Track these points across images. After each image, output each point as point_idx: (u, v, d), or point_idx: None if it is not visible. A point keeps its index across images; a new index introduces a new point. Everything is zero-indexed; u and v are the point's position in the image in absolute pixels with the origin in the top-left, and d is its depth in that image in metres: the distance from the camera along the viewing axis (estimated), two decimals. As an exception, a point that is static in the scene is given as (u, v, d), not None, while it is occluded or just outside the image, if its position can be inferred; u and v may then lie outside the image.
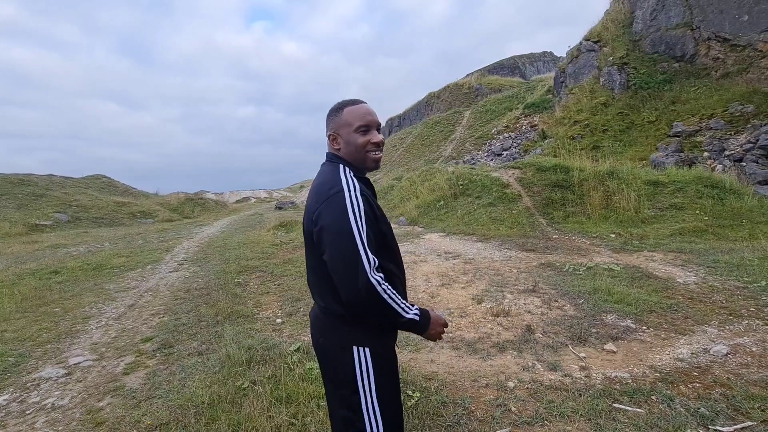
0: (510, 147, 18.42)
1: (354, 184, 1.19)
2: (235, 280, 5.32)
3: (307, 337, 3.21)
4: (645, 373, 2.61)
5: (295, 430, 2.12)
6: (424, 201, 10.38)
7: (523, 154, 16.25)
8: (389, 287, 1.13)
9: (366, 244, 1.11)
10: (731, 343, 2.95)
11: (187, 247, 8.59)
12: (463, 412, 2.25)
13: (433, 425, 2.14)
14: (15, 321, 4.12)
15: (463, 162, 18.50)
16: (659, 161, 10.47)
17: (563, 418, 2.15)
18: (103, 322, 4.05)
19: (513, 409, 2.27)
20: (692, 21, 13.63)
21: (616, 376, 2.57)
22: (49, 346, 3.48)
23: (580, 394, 2.36)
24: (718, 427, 2.02)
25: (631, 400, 2.29)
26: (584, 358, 2.85)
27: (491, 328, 3.42)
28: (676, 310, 3.59)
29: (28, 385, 2.81)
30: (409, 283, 4.78)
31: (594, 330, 3.25)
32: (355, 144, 1.25)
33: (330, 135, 1.30)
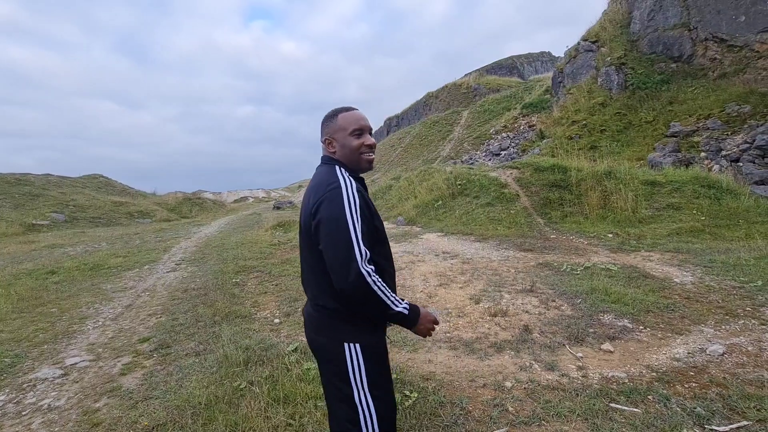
0: (508, 147, 18.45)
1: (350, 181, 1.28)
2: (233, 280, 5.31)
3: (305, 338, 3.21)
4: (642, 372, 2.62)
5: (292, 431, 2.12)
6: (422, 201, 10.39)
7: (521, 154, 16.28)
8: (379, 279, 1.20)
9: (360, 237, 1.18)
10: (727, 342, 2.96)
11: (185, 247, 8.57)
12: (461, 412, 2.25)
13: (431, 425, 2.14)
14: (11, 321, 4.11)
15: (462, 162, 18.51)
16: (657, 161, 10.50)
17: (560, 418, 2.15)
18: (100, 323, 4.03)
19: (510, 409, 2.27)
20: (689, 21, 13.67)
21: (613, 376, 2.58)
22: (46, 346, 3.47)
23: (577, 394, 2.37)
24: (714, 427, 2.03)
25: (627, 400, 2.29)
26: (581, 358, 2.85)
27: (489, 328, 3.42)
28: (672, 310, 3.60)
29: (25, 385, 2.79)
30: (407, 282, 4.78)
31: (591, 330, 3.26)
32: (350, 146, 1.34)
33: (326, 139, 1.39)
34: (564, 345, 3.05)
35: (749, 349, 2.85)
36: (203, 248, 8.19)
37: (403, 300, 1.28)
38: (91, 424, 2.30)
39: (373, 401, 1.26)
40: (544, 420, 2.15)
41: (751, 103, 10.96)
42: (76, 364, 3.10)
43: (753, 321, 3.32)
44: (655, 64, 14.18)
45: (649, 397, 2.31)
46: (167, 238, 10.15)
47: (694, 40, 13.48)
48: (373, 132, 1.44)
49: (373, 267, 1.20)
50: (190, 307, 4.30)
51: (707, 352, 2.82)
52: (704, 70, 13.05)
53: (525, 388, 2.49)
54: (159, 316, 4.14)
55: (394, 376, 2.55)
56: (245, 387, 2.51)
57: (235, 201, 34.97)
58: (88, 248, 8.79)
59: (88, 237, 10.95)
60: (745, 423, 2.03)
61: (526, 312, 3.72)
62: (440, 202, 9.88)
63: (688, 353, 2.84)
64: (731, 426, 2.02)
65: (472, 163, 16.85)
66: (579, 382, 2.53)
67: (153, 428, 2.19)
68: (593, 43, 16.32)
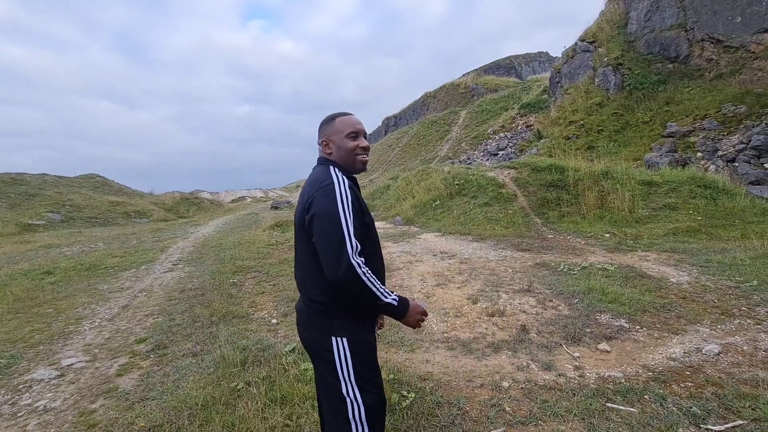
0: (506, 147, 18.49)
1: (343, 179, 1.35)
2: (230, 281, 5.30)
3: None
4: (638, 372, 2.63)
5: (289, 431, 2.12)
6: (420, 201, 10.39)
7: (518, 154, 16.32)
8: (368, 271, 1.27)
9: (351, 230, 1.25)
10: (723, 342, 2.98)
11: (182, 247, 8.54)
12: (458, 412, 2.26)
13: (428, 425, 2.14)
14: (7, 322, 4.08)
15: (459, 162, 18.54)
16: (653, 161, 10.55)
17: (557, 418, 2.16)
18: (97, 323, 4.02)
19: (507, 409, 2.27)
20: (686, 22, 13.73)
21: (609, 376, 2.59)
22: (42, 347, 3.45)
23: (574, 394, 2.38)
24: (709, 426, 2.04)
25: (624, 400, 2.30)
26: (578, 357, 2.86)
27: (486, 328, 3.43)
28: (669, 310, 3.61)
29: (20, 387, 2.78)
30: (404, 282, 4.79)
31: (588, 330, 3.27)
32: (345, 148, 1.42)
33: (323, 141, 1.47)
34: (561, 345, 3.06)
35: (745, 348, 2.87)
36: (200, 248, 8.17)
37: (392, 292, 1.34)
38: (88, 425, 2.29)
39: (360, 393, 1.32)
40: (541, 420, 2.16)
41: (746, 103, 11.02)
42: (72, 364, 3.09)
43: (748, 320, 3.34)
44: (652, 65, 14.24)
45: (646, 396, 2.33)
46: (164, 238, 10.12)
47: (691, 40, 13.54)
48: (368, 135, 1.52)
49: (363, 260, 1.26)
50: (187, 308, 4.28)
51: (703, 352, 2.84)
52: (701, 71, 13.11)
53: (522, 388, 2.49)
54: (156, 316, 4.13)
55: (391, 376, 2.55)
56: (242, 388, 2.51)
57: (233, 201, 34.89)
58: (84, 248, 8.75)
59: (85, 237, 10.90)
60: (741, 422, 2.04)
61: (524, 312, 3.73)
62: (438, 202, 9.89)
63: (684, 353, 2.85)
64: (727, 425, 2.03)
65: (469, 163, 16.87)
66: (576, 381, 2.54)
67: (149, 429, 2.19)
68: (590, 43, 16.37)
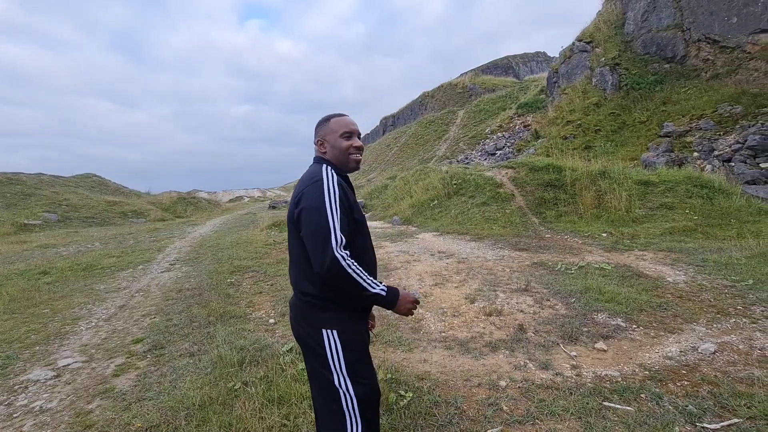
0: (503, 147, 18.52)
1: (332, 176, 1.38)
2: (228, 280, 5.28)
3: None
4: (635, 371, 2.64)
5: (287, 431, 2.12)
6: (418, 200, 10.40)
7: (516, 153, 16.34)
8: (355, 263, 1.29)
9: (337, 224, 1.28)
10: (719, 341, 2.99)
11: (179, 246, 8.52)
12: (456, 411, 2.26)
13: (426, 425, 2.15)
14: (2, 322, 4.06)
15: (457, 161, 18.56)
16: (650, 161, 10.59)
17: (554, 417, 2.17)
18: (93, 323, 4.00)
19: (505, 408, 2.28)
20: (683, 23, 13.80)
21: (606, 375, 2.60)
22: (38, 347, 3.44)
23: (571, 393, 2.38)
24: (705, 425, 2.05)
25: (620, 398, 2.31)
26: (575, 356, 2.87)
27: (484, 328, 3.43)
28: (665, 309, 3.63)
29: (16, 387, 2.76)
30: (402, 282, 4.79)
31: (585, 329, 3.29)
32: (339, 147, 1.47)
33: (318, 140, 1.52)
34: (558, 344, 3.07)
35: (740, 347, 2.88)
36: (198, 248, 8.15)
37: (381, 283, 1.36)
38: (84, 425, 2.28)
39: (352, 386, 1.35)
40: (538, 419, 2.16)
41: (742, 103, 11.08)
42: (68, 365, 3.07)
43: (744, 319, 3.36)
44: (649, 65, 14.30)
45: (642, 395, 2.34)
46: (161, 237, 10.09)
47: (687, 41, 13.61)
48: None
49: (348, 252, 1.29)
50: (185, 308, 4.27)
51: (699, 351, 2.85)
52: (697, 71, 13.18)
53: (519, 387, 2.50)
54: (153, 316, 4.12)
55: (389, 375, 2.55)
56: (240, 388, 2.50)
57: (231, 200, 34.79)
58: (81, 248, 8.72)
59: (81, 237, 10.86)
60: (736, 420, 2.06)
61: (521, 311, 3.74)
62: (436, 201, 9.90)
63: (681, 352, 2.87)
64: (722, 423, 2.05)
65: (467, 163, 16.89)
66: (573, 380, 2.55)
67: (146, 430, 2.18)
68: (588, 43, 16.42)
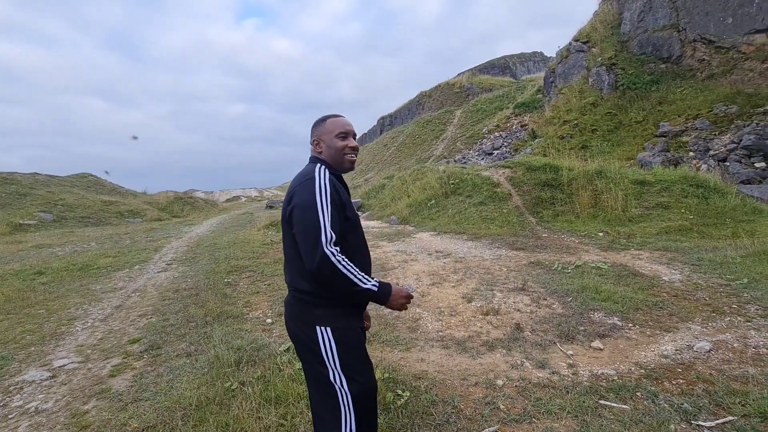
0: (501, 146, 18.56)
1: (325, 174, 1.40)
2: (225, 280, 5.27)
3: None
4: (630, 369, 2.65)
5: (284, 431, 2.11)
6: (415, 200, 10.41)
7: (513, 153, 16.38)
8: (345, 259, 1.31)
9: (327, 222, 1.30)
10: (714, 339, 3.01)
11: (176, 246, 8.49)
12: (453, 410, 2.26)
13: (423, 424, 2.15)
14: (-3, 323, 4.03)
15: (454, 161, 18.58)
16: (646, 161, 10.65)
17: (551, 416, 2.18)
18: (89, 324, 3.98)
19: (501, 407, 2.29)
20: (678, 23, 13.87)
21: (602, 373, 2.61)
22: (33, 348, 3.42)
23: (568, 392, 2.39)
24: (700, 422, 2.06)
25: (616, 397, 2.33)
26: (572, 355, 2.88)
27: (481, 327, 3.44)
28: (661, 308, 3.65)
29: (11, 388, 2.75)
30: (399, 282, 4.79)
31: (581, 328, 3.30)
32: (335, 147, 1.50)
33: (314, 140, 1.54)
34: (555, 343, 3.08)
35: (735, 345, 2.90)
36: (195, 248, 8.12)
37: (372, 278, 1.38)
38: (80, 426, 2.27)
39: (347, 382, 1.36)
40: (534, 417, 2.17)
41: (738, 103, 11.15)
42: (64, 365, 3.06)
43: (739, 318, 3.38)
44: (645, 65, 14.36)
45: (638, 393, 2.35)
46: (158, 237, 10.05)
47: (683, 41, 13.68)
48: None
49: (338, 248, 1.31)
50: (181, 308, 4.26)
51: (694, 349, 2.87)
52: (693, 71, 13.25)
53: (516, 386, 2.51)
54: (149, 316, 4.10)
55: (386, 375, 2.56)
56: (237, 388, 2.50)
57: (228, 200, 34.68)
58: (76, 248, 8.67)
59: (77, 237, 10.80)
60: (731, 418, 2.07)
61: (518, 310, 3.75)
62: (433, 201, 9.91)
63: (676, 350, 2.89)
64: (717, 421, 2.06)
65: (464, 163, 16.92)
66: (569, 379, 2.56)
67: (143, 430, 2.17)
68: (584, 43, 16.47)
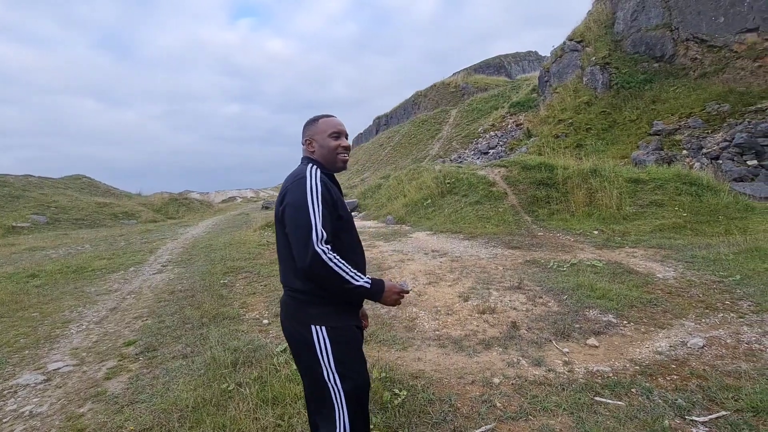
0: (496, 145, 18.62)
1: (316, 173, 1.41)
2: (221, 281, 5.25)
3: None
4: (625, 366, 2.68)
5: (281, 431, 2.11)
6: (411, 200, 10.42)
7: (508, 152, 16.44)
8: (337, 257, 1.31)
9: (318, 220, 1.31)
10: (707, 335, 3.04)
11: (172, 248, 8.44)
12: (449, 409, 2.27)
13: (420, 423, 2.16)
14: (-10, 327, 3.99)
15: (450, 160, 18.62)
16: (640, 159, 10.72)
17: (547, 413, 2.19)
18: (84, 326, 3.95)
19: (498, 404, 2.30)
20: (671, 22, 13.98)
21: (597, 370, 2.63)
22: (27, 351, 3.39)
23: (563, 389, 2.41)
24: (694, 417, 2.09)
25: (612, 393, 2.34)
26: (567, 353, 2.90)
27: (477, 326, 3.45)
28: (655, 305, 3.68)
29: (5, 392, 2.72)
30: (396, 281, 4.80)
31: (577, 325, 3.32)
32: (328, 147, 1.51)
33: (306, 140, 1.55)
34: (550, 341, 3.10)
35: (728, 341, 2.94)
36: (190, 249, 8.08)
37: (365, 275, 1.39)
38: (75, 430, 2.25)
39: (340, 380, 1.37)
40: (530, 415, 2.19)
41: (730, 102, 11.26)
42: (59, 369, 3.04)
43: (732, 314, 3.42)
44: (639, 64, 14.47)
45: (633, 390, 2.37)
46: (153, 239, 9.99)
47: (676, 40, 13.79)
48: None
49: (329, 247, 1.31)
50: (177, 309, 4.24)
51: (688, 345, 2.90)
52: (685, 70, 13.36)
53: (512, 383, 2.52)
54: (145, 318, 4.08)
55: (383, 374, 2.56)
56: (233, 389, 2.49)
57: (223, 201, 34.52)
58: (70, 250, 8.60)
59: (71, 239, 10.71)
60: (724, 413, 2.10)
61: (514, 309, 3.77)
62: (429, 200, 9.93)
63: (670, 346, 2.91)
64: (710, 416, 2.08)
65: (460, 162, 16.95)
66: (565, 376, 2.58)
67: (139, 432, 2.16)
68: (578, 42, 16.56)
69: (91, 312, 4.40)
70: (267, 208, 19.70)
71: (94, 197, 19.50)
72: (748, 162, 9.46)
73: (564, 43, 17.15)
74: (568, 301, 3.86)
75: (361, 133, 42.31)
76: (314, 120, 1.55)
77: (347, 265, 1.34)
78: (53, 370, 3.02)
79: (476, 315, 3.67)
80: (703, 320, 3.34)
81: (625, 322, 3.37)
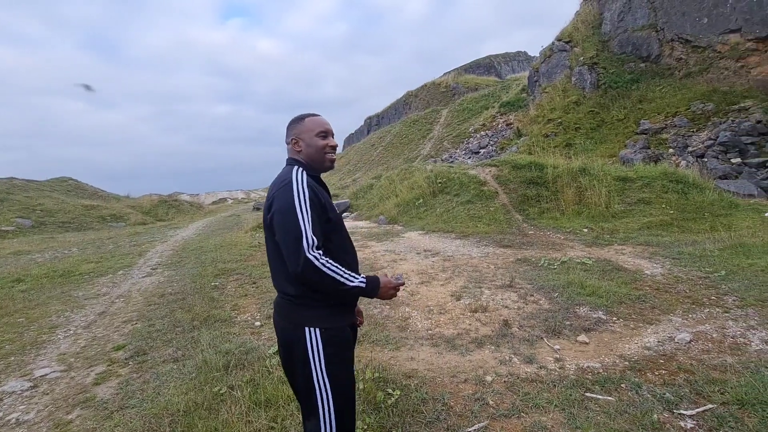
0: (487, 145, 18.75)
1: (302, 177, 1.38)
2: (212, 284, 5.20)
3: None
4: (615, 362, 2.72)
5: (274, 434, 2.10)
6: (403, 199, 10.44)
7: (499, 151, 16.57)
8: (329, 260, 1.32)
9: (308, 226, 1.30)
10: (694, 330, 3.10)
11: (161, 250, 8.34)
12: (443, 407, 2.28)
13: (413, 422, 2.16)
14: (-26, 333, 3.90)
15: (442, 160, 18.69)
16: (628, 158, 10.89)
17: (539, 410, 2.21)
18: (72, 331, 3.88)
19: (491, 402, 2.32)
20: (657, 23, 14.22)
21: (588, 366, 2.67)
22: (13, 358, 3.32)
23: (555, 385, 2.44)
24: (682, 411, 2.13)
25: (602, 389, 2.38)
26: (558, 350, 2.94)
27: (470, 324, 3.47)
28: (643, 301, 3.74)
29: (-10, 400, 2.66)
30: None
31: (568, 322, 3.36)
32: (315, 146, 1.48)
33: (293, 139, 1.51)
34: (542, 338, 3.13)
35: (714, 336, 3.00)
36: (180, 252, 7.99)
37: (359, 275, 1.39)
38: (63, 436, 2.21)
39: (329, 381, 1.38)
40: (523, 412, 2.21)
41: (714, 101, 11.50)
42: (46, 375, 2.98)
43: (717, 309, 3.49)
44: (625, 64, 14.69)
45: (622, 385, 2.41)
46: (142, 242, 9.85)
47: (661, 40, 14.03)
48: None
49: (321, 252, 1.31)
50: (168, 313, 4.19)
51: (675, 341, 2.95)
52: (671, 70, 13.60)
53: (505, 381, 2.54)
54: (134, 322, 4.02)
55: (377, 374, 2.56)
56: (225, 392, 2.47)
57: (214, 202, 34.18)
58: (57, 254, 8.44)
59: (58, 243, 10.50)
60: (711, 406, 2.14)
61: (506, 307, 3.80)
62: (421, 200, 9.95)
63: (658, 342, 2.96)
64: (698, 409, 2.13)
65: (452, 162, 17.03)
66: (556, 373, 2.60)
67: (129, 438, 2.13)
68: (567, 43, 16.76)
69: (78, 316, 4.32)
70: (258, 209, 19.56)
71: (81, 200, 19.15)
72: (732, 160, 9.67)
73: (552, 43, 17.34)
74: (558, 298, 3.90)
75: (353, 134, 42.25)
76: (300, 119, 1.51)
77: (340, 267, 1.33)
78: (40, 376, 2.96)
79: (468, 314, 3.69)
80: (690, 315, 3.41)
81: (614, 318, 3.42)
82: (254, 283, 5.18)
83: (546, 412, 2.18)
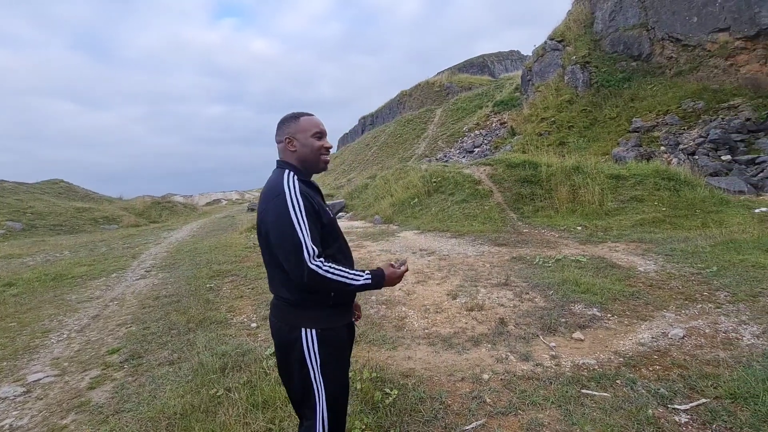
0: (481, 144, 18.82)
1: (294, 185, 1.35)
2: (207, 286, 5.17)
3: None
4: (610, 358, 2.74)
5: (272, 436, 2.10)
6: (398, 199, 10.45)
7: (493, 150, 16.64)
8: (333, 265, 1.31)
9: (307, 237, 1.29)
10: (687, 326, 3.14)
11: (155, 252, 8.27)
12: (440, 406, 2.29)
13: (411, 421, 2.17)
14: (-35, 339, 3.84)
15: (436, 159, 18.73)
16: (620, 156, 10.98)
17: (535, 407, 2.23)
18: (65, 335, 3.84)
19: (488, 400, 2.33)
20: (647, 22, 14.35)
21: (583, 363, 2.69)
22: (5, 363, 3.27)
23: (551, 382, 2.46)
24: (676, 406, 2.15)
25: (597, 385, 2.40)
26: (554, 347, 2.96)
27: (466, 323, 3.49)
28: (637, 298, 3.78)
29: (-18, 406, 2.63)
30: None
31: (563, 320, 3.39)
32: (311, 146, 1.45)
33: (286, 138, 1.46)
34: (538, 336, 3.16)
35: (706, 331, 3.04)
36: (174, 254, 7.93)
37: (364, 272, 1.39)
38: (58, 442, 2.19)
39: (324, 382, 1.39)
40: (520, 409, 2.22)
41: (704, 99, 11.63)
42: (39, 380, 2.94)
43: (709, 305, 3.53)
44: (617, 63, 14.81)
45: (618, 381, 2.43)
46: (136, 244, 9.76)
47: (652, 39, 14.16)
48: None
49: (323, 260, 1.30)
50: (163, 315, 4.16)
51: (669, 336, 2.99)
52: (662, 68, 13.74)
53: (501, 379, 2.56)
54: (129, 325, 3.99)
55: (374, 374, 2.57)
56: (222, 394, 2.46)
57: (208, 204, 33.98)
58: (49, 257, 8.34)
59: (49, 246, 10.38)
60: (704, 400, 2.17)
61: (502, 305, 3.82)
62: (416, 199, 9.97)
63: (652, 338, 3.00)
64: (692, 404, 2.15)
65: (446, 161, 17.07)
66: (552, 370, 2.62)
67: (126, 442, 2.12)
68: (559, 42, 16.86)
69: (72, 320, 4.28)
70: (253, 210, 19.47)
71: (72, 202, 18.94)
72: (722, 157, 9.79)
73: (545, 42, 17.44)
74: (553, 296, 3.93)
75: (347, 133, 42.18)
76: (295, 117, 1.46)
77: (344, 269, 1.33)
78: (33, 381, 2.93)
79: (465, 312, 3.71)
80: (683, 311, 3.45)
81: (609, 315, 3.45)
82: (250, 284, 5.16)
83: (543, 409, 2.20)
